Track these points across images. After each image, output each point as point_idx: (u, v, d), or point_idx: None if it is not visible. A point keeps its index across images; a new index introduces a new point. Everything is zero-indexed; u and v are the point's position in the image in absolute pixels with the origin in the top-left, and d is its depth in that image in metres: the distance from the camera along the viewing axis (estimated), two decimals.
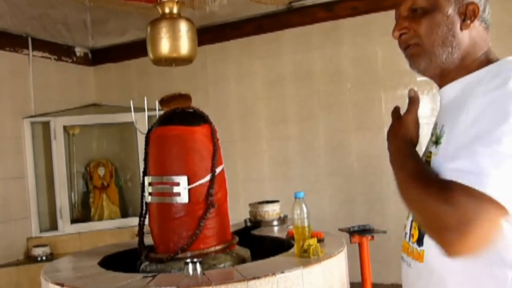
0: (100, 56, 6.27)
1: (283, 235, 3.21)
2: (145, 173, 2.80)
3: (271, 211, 3.66)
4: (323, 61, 5.15)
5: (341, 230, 3.91)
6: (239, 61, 5.55)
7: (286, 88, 5.34)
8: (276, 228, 3.58)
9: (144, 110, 5.67)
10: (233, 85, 5.59)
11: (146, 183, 2.75)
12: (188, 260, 2.36)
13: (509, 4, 4.37)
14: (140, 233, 2.82)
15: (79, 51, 6.11)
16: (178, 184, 2.62)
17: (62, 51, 5.90)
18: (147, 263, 2.67)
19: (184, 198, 2.61)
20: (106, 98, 6.24)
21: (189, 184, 2.63)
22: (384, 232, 3.79)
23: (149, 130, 2.85)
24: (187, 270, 2.35)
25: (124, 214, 5.88)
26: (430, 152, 1.43)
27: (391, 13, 4.47)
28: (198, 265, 2.36)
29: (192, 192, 2.63)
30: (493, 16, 4.45)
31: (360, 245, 3.77)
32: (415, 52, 1.48)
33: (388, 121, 4.70)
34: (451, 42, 1.43)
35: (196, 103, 5.52)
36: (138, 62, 5.84)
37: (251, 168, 5.51)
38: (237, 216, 3.91)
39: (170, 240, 2.65)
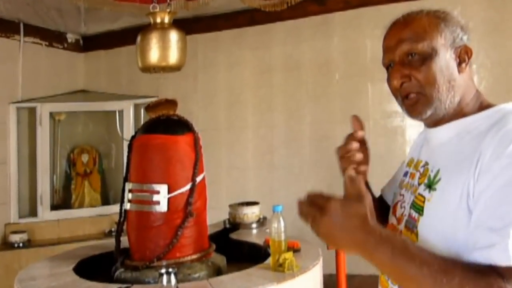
0: (91, 43, 6.26)
1: (261, 240, 3.23)
2: (125, 179, 2.80)
3: (251, 213, 3.68)
4: (313, 53, 5.18)
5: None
6: (229, 51, 5.57)
7: (275, 79, 5.37)
8: (254, 231, 3.60)
9: (131, 98, 5.71)
10: (222, 74, 5.61)
11: (126, 190, 2.75)
12: (163, 271, 2.37)
13: (496, 2, 4.40)
14: (117, 240, 2.82)
15: (70, 37, 6.09)
16: (158, 192, 2.63)
17: (53, 37, 5.88)
18: (122, 269, 2.67)
19: (163, 207, 2.62)
20: (94, 84, 6.23)
21: (169, 192, 2.63)
22: None
23: (133, 137, 2.84)
24: (162, 281, 2.36)
25: (105, 201, 5.89)
26: (422, 196, 1.40)
27: (382, 8, 4.54)
28: (172, 277, 2.37)
29: (171, 200, 2.64)
30: (480, 13, 4.45)
31: (337, 252, 3.79)
32: (419, 101, 1.43)
33: (374, 112, 4.68)
34: (452, 87, 1.41)
35: (185, 90, 5.56)
36: (129, 49, 5.80)
37: (235, 156, 5.55)
38: (218, 204, 3.97)
39: (147, 248, 2.66)
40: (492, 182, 1.19)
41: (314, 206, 1.26)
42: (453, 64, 1.42)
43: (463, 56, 1.43)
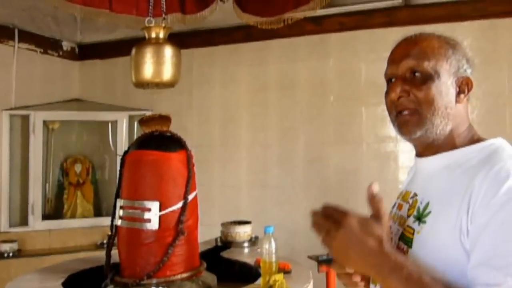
0: (87, 52, 6.20)
1: (252, 260, 3.22)
2: (117, 195, 2.78)
3: (243, 232, 3.68)
4: (308, 73, 5.18)
5: (309, 258, 3.93)
6: (225, 67, 5.55)
7: (269, 97, 5.35)
8: (246, 250, 3.60)
9: (126, 110, 5.68)
10: (217, 90, 5.59)
11: (117, 206, 2.73)
12: None
13: (489, 33, 4.43)
14: (108, 255, 2.79)
15: (66, 45, 6.03)
16: (149, 209, 2.59)
17: (48, 44, 5.82)
18: (111, 286, 2.65)
19: (154, 225, 2.59)
20: (89, 94, 6.17)
21: (160, 210, 2.60)
22: None
23: (125, 152, 2.81)
24: None
25: (98, 212, 5.82)
26: (411, 228, 1.39)
27: (377, 31, 4.60)
28: None
29: (162, 218, 2.60)
30: (473, 43, 4.47)
31: (328, 275, 3.80)
32: (413, 120, 1.42)
33: (367, 136, 4.71)
34: (448, 115, 1.40)
35: (180, 105, 5.55)
36: (125, 61, 5.77)
37: (229, 174, 5.52)
38: (211, 221, 4.01)
39: (137, 265, 2.62)
40: (491, 220, 1.18)
41: (329, 219, 1.25)
42: (453, 92, 1.42)
43: (463, 87, 1.43)
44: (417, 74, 1.42)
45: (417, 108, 1.41)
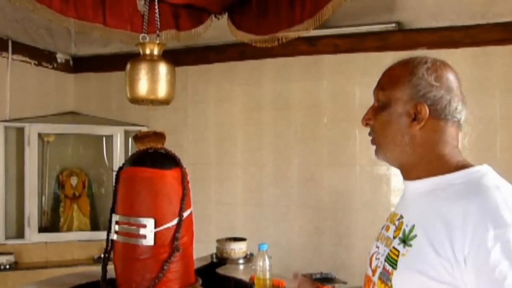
0: (81, 64, 6.18)
1: (247, 277, 3.23)
2: (112, 210, 2.79)
3: (238, 249, 3.70)
4: (302, 94, 5.18)
5: (303, 276, 3.95)
6: (220, 85, 5.55)
7: (264, 117, 5.36)
8: (241, 267, 3.62)
9: (122, 124, 5.68)
10: (212, 108, 5.59)
11: (113, 221, 2.75)
12: None
13: (481, 59, 4.49)
14: (103, 270, 2.80)
15: (60, 57, 6.01)
16: (144, 226, 2.61)
17: (43, 56, 5.82)
18: None
19: (149, 241, 2.60)
20: (84, 107, 6.17)
21: (155, 227, 2.62)
22: (345, 283, 3.83)
23: (120, 168, 2.83)
24: None
25: (94, 226, 5.82)
26: (396, 250, 1.41)
27: (371, 55, 4.63)
28: None
29: (158, 235, 2.62)
30: (465, 69, 4.51)
31: None
32: (374, 143, 1.55)
33: (361, 158, 4.73)
34: (400, 142, 1.46)
35: (175, 122, 5.55)
36: (119, 75, 5.78)
37: (225, 192, 5.52)
38: (207, 238, 4.07)
39: (133, 281, 2.64)
40: (489, 259, 1.20)
41: None
42: (405, 119, 1.46)
43: (417, 113, 1.45)
44: (379, 103, 1.52)
45: (374, 136, 1.54)
